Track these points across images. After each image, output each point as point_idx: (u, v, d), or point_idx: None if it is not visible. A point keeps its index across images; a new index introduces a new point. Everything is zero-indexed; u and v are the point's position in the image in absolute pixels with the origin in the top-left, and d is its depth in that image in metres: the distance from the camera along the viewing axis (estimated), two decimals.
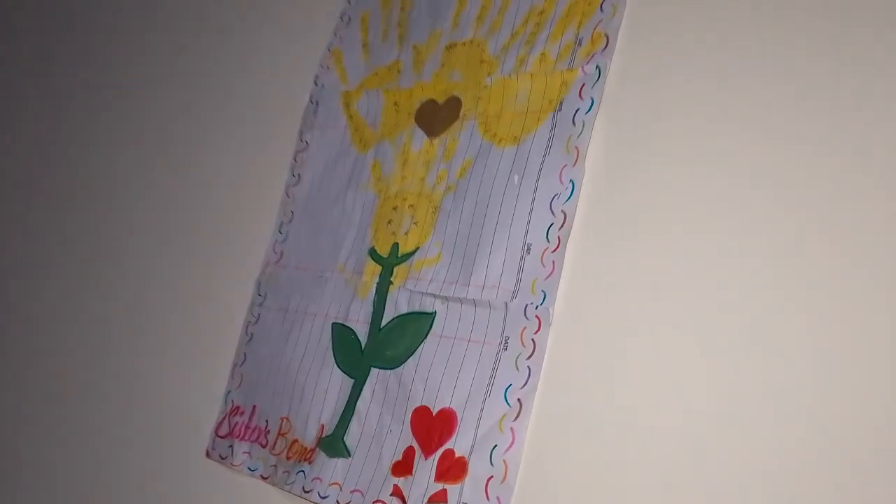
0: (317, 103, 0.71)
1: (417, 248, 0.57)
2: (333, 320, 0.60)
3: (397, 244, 0.59)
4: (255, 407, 0.63)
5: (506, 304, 0.49)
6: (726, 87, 0.46)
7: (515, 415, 0.46)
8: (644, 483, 0.42)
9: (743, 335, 0.41)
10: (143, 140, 0.87)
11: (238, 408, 0.65)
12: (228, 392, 0.66)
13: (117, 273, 0.83)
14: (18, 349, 0.90)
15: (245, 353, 0.66)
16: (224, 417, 0.65)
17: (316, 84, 0.72)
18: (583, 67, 0.52)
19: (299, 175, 0.70)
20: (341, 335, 0.58)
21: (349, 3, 0.72)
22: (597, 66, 0.51)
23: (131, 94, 0.90)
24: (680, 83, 0.47)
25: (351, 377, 0.56)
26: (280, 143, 0.72)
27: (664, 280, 0.44)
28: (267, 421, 0.61)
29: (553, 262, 0.48)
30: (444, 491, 0.47)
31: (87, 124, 0.94)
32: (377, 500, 0.50)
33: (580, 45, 0.53)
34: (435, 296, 0.54)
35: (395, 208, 0.60)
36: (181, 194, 0.81)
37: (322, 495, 0.53)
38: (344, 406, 0.56)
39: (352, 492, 0.52)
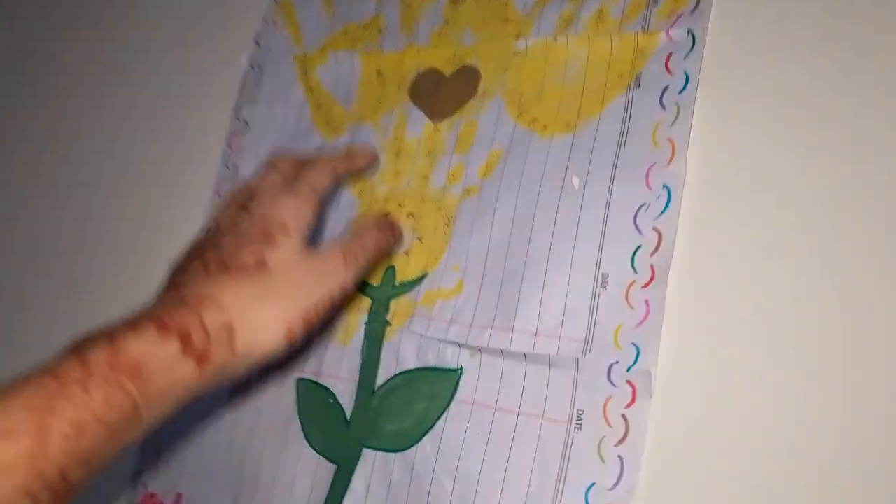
0: (260, 70, 0.53)
1: (425, 275, 0.41)
2: (299, 375, 0.42)
3: (393, 268, 0.42)
4: (179, 497, 0.44)
5: (576, 361, 0.34)
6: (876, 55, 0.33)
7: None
8: None
9: None
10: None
11: (153, 496, 0.46)
12: (138, 473, 0.47)
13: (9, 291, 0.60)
14: None
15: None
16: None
17: (258, 45, 0.54)
18: (667, 31, 0.38)
19: (236, 166, 0.51)
20: (313, 399, 0.41)
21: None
22: (689, 31, 0.37)
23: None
24: (812, 51, 0.34)
25: (332, 461, 0.39)
26: (208, 124, 0.53)
27: (806, 322, 0.31)
28: None
29: (646, 301, 0.34)
30: None
31: None
32: None
33: (656, 1, 0.39)
34: (460, 345, 0.38)
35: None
36: (75, 194, 0.60)
37: None
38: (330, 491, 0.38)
39: None
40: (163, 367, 0.27)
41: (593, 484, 0.32)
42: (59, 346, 0.27)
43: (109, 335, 0.27)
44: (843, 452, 0.29)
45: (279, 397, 0.42)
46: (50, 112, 0.64)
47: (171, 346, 0.27)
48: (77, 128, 0.61)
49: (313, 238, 0.44)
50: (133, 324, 0.27)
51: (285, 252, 0.32)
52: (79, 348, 0.26)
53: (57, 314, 0.56)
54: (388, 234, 0.39)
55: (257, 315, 0.30)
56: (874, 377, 0.29)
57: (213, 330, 0.28)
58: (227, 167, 0.51)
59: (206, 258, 0.31)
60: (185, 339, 0.28)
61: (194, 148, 0.53)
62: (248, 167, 0.51)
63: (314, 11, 0.52)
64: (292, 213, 0.33)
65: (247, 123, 0.52)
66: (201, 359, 0.28)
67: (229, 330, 0.29)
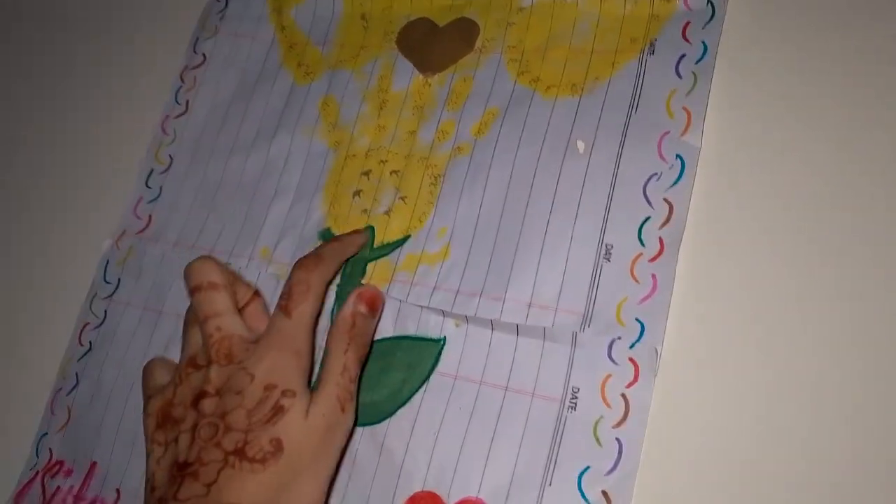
0: (226, 2, 0.47)
1: (407, 237, 0.37)
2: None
3: (372, 228, 0.38)
4: (93, 466, 0.38)
5: (573, 335, 0.32)
6: None
7: None
8: None
9: None
10: None
11: (60, 464, 0.39)
12: (43, 436, 0.40)
13: None
14: None
15: (77, 375, 0.40)
16: (32, 479, 0.39)
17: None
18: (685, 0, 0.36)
19: (187, 102, 0.45)
20: None
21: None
22: (708, 1, 0.36)
23: None
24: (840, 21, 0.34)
25: None
26: (161, 53, 0.47)
27: (823, 302, 0.30)
28: (118, 491, 0.37)
29: (653, 275, 0.32)
30: None
31: None
32: None
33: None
34: (444, 313, 0.34)
35: (366, 173, 0.39)
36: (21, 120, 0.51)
37: None
38: None
39: None
40: None
41: (588, 468, 0.29)
42: None
43: None
44: (855, 439, 0.28)
45: None
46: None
47: None
48: (27, 48, 0.53)
49: (233, 170, 0.39)
50: None
51: (295, 421, 0.28)
52: None
53: None
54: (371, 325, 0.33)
55: None
56: (890, 358, 0.28)
57: None
58: (178, 102, 0.45)
59: (219, 441, 0.27)
60: None
61: (143, 79, 0.47)
62: (202, 104, 0.45)
63: None
64: (291, 368, 0.29)
65: (204, 57, 0.46)
66: None
67: None
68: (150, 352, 0.40)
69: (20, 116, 0.50)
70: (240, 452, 0.27)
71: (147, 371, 0.34)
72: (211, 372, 0.29)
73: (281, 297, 0.31)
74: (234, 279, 0.34)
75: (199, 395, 0.29)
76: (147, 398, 0.32)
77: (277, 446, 0.27)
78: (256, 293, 0.35)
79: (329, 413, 0.29)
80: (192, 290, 0.32)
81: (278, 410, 0.28)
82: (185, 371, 0.30)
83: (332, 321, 0.36)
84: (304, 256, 0.33)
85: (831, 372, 0.29)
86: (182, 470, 0.27)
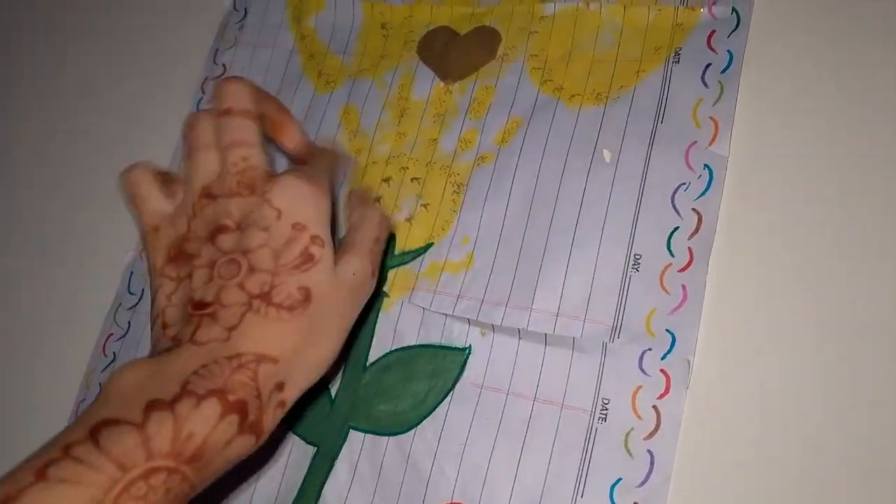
0: (245, 11, 0.48)
1: (430, 245, 0.37)
2: None
3: (393, 235, 0.38)
4: None
5: (603, 345, 0.31)
6: None
7: None
8: None
9: None
10: None
11: None
12: None
13: None
14: None
15: (101, 385, 0.40)
16: None
17: None
18: (710, 8, 0.36)
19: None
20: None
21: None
22: (733, 10, 0.35)
23: None
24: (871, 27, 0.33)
25: (311, 443, 0.34)
26: (183, 65, 0.47)
27: (855, 311, 0.30)
28: None
29: (683, 285, 0.31)
30: None
31: None
32: None
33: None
34: (470, 321, 0.34)
35: (386, 180, 0.39)
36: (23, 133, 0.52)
37: None
38: (298, 491, 0.34)
39: None
40: (221, 446, 0.24)
41: (619, 480, 0.29)
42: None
43: (172, 407, 0.23)
44: (890, 448, 0.27)
45: None
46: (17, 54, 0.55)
47: (231, 424, 0.24)
48: (51, 60, 0.53)
49: None
50: (195, 396, 0.23)
51: (323, 272, 0.26)
52: (143, 423, 0.22)
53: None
54: (387, 219, 0.33)
55: (304, 361, 0.26)
56: None
57: (266, 396, 0.24)
58: None
59: (242, 282, 0.25)
60: (243, 413, 0.24)
61: (166, 90, 0.47)
62: None
63: None
64: (321, 211, 0.27)
65: (224, 67, 0.46)
66: (255, 429, 0.24)
67: (280, 388, 0.25)
68: None
69: (43, 129, 0.50)
70: (266, 297, 0.25)
71: (133, 184, 0.29)
72: (231, 204, 0.26)
73: (292, 161, 0.31)
74: (267, 107, 0.30)
75: (218, 229, 0.26)
76: (151, 227, 0.28)
77: (306, 295, 0.25)
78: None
79: (360, 274, 0.28)
80: (222, 112, 0.28)
81: (308, 258, 0.26)
82: (198, 202, 0.27)
83: (349, 356, 0.36)
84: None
85: (867, 380, 0.29)
86: (199, 309, 0.25)
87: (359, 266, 0.28)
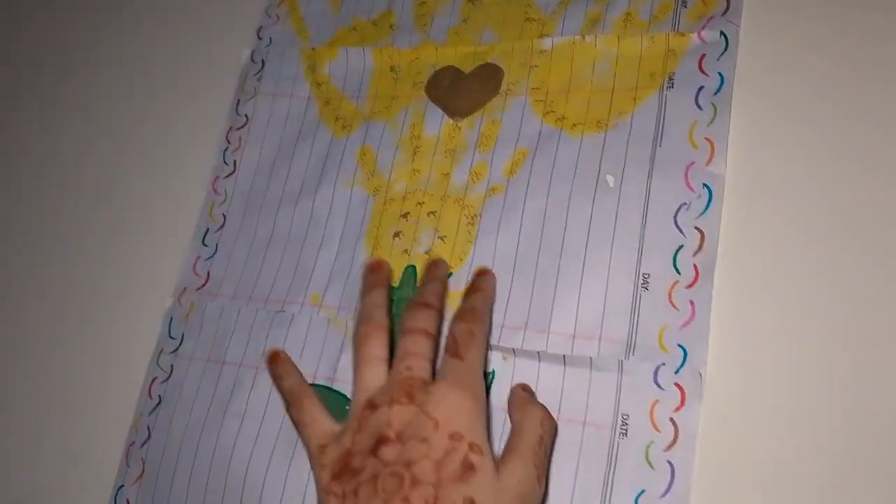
0: (262, 63, 0.51)
1: (449, 275, 0.39)
2: (310, 381, 0.39)
3: (413, 268, 0.40)
4: None
5: (619, 363, 0.33)
6: None
7: None
8: None
9: None
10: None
11: None
12: (120, 488, 0.43)
13: None
14: None
15: (148, 428, 0.43)
16: None
17: (260, 38, 0.51)
18: (699, 33, 0.38)
19: (235, 162, 0.48)
20: (327, 405, 0.38)
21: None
22: (721, 33, 0.37)
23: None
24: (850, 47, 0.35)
25: None
26: (206, 117, 0.50)
27: (857, 319, 0.31)
28: None
29: (692, 301, 0.33)
30: None
31: None
32: None
33: (685, 3, 0.39)
34: (491, 347, 0.36)
35: (405, 215, 0.42)
36: (58, 182, 0.55)
37: None
38: None
39: None
40: None
41: (643, 491, 0.31)
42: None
43: None
44: None
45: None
46: (40, 101, 0.59)
47: None
48: (70, 117, 0.57)
49: (281, 224, 0.41)
50: None
51: (486, 481, 0.26)
52: None
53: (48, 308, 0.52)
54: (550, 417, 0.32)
55: None
56: None
57: None
58: (226, 162, 0.48)
59: (406, 495, 0.25)
60: None
61: (191, 142, 0.50)
62: (248, 163, 0.48)
63: (319, 5, 0.50)
64: (476, 416, 0.28)
65: (247, 118, 0.49)
66: None
67: None
68: (215, 403, 0.42)
69: (79, 186, 0.54)
70: None
71: (305, 410, 0.31)
72: (391, 413, 0.27)
73: (446, 348, 0.31)
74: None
75: (380, 441, 0.27)
76: (318, 447, 0.29)
77: None
78: None
79: (524, 480, 0.27)
80: (405, 331, 0.31)
81: (468, 467, 0.26)
82: (361, 415, 0.28)
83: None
84: (458, 311, 0.33)
85: (875, 385, 0.30)
86: None
87: (521, 472, 0.28)
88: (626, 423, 0.32)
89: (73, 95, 0.57)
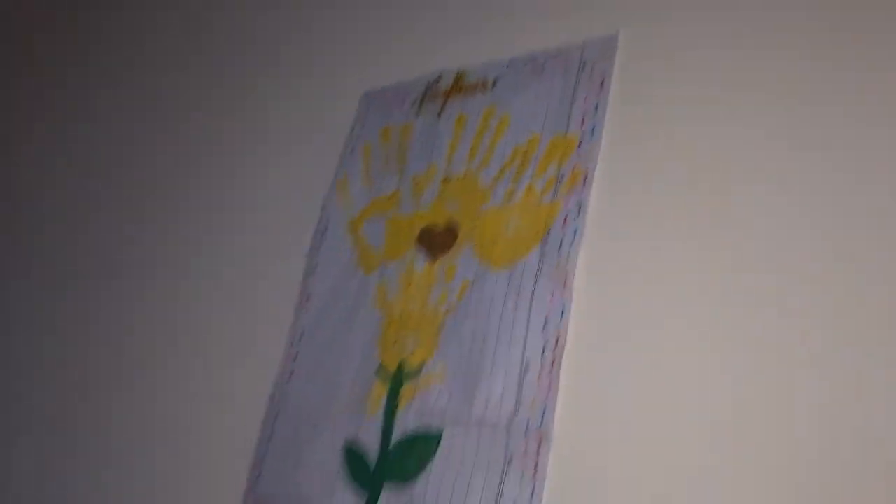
0: (325, 229, 0.77)
1: (423, 366, 0.61)
2: (344, 438, 0.63)
3: (402, 362, 0.63)
4: None
5: (508, 421, 0.53)
6: (698, 227, 0.52)
7: None
8: None
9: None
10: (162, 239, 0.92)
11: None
12: (247, 493, 0.68)
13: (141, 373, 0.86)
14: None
15: (260, 470, 0.69)
16: None
17: (323, 211, 0.78)
18: (565, 201, 0.58)
19: (308, 295, 0.75)
20: (352, 455, 0.61)
21: (352, 133, 0.79)
22: (578, 202, 0.57)
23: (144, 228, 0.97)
24: (661, 212, 0.53)
25: (364, 492, 0.59)
26: (291, 265, 0.78)
27: (656, 397, 0.48)
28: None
29: (549, 381, 0.52)
30: None
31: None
32: None
33: (562, 180, 0.60)
34: (440, 414, 0.57)
35: (400, 329, 0.65)
36: (194, 297, 0.86)
37: None
38: None
39: None
40: None
41: (515, 502, 0.50)
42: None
43: None
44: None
45: (332, 451, 0.63)
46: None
47: None
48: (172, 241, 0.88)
49: (334, 336, 0.66)
50: None
51: None
52: None
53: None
54: None
55: None
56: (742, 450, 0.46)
57: None
58: (304, 296, 0.75)
59: None
60: None
61: (282, 282, 0.78)
62: (316, 297, 0.74)
63: (358, 187, 0.76)
64: None
65: (316, 266, 0.76)
66: None
67: None
68: (293, 452, 0.66)
69: (172, 279, 0.83)
70: None
71: None
72: None
73: None
74: None
75: None
76: None
77: None
78: None
79: None
80: None
81: None
82: None
83: (383, 425, 0.60)
84: None
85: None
86: None
87: None
88: (511, 460, 0.52)
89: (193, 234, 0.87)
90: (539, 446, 0.51)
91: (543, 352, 0.54)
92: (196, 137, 0.97)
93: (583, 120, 0.61)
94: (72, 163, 1.10)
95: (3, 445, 0.92)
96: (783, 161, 0.50)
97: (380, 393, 0.62)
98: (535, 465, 0.50)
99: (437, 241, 0.67)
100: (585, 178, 0.58)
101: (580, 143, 0.59)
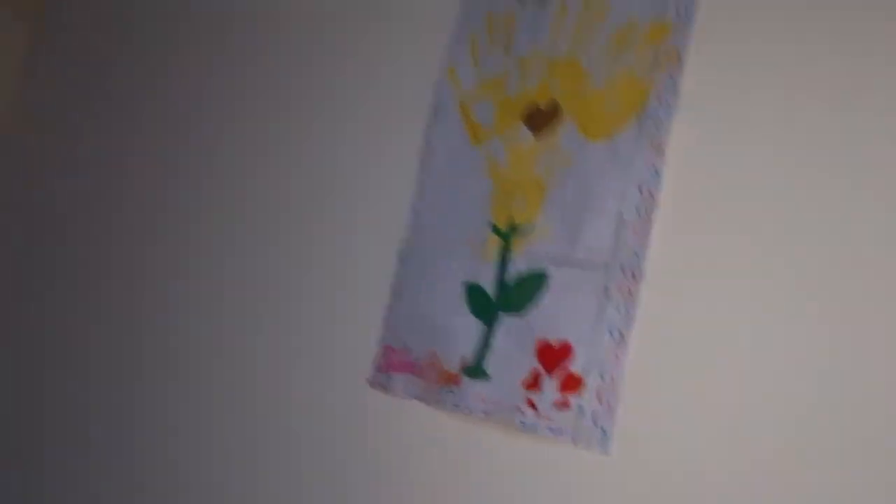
0: (438, 109, 0.88)
1: (532, 224, 0.74)
2: (465, 277, 0.77)
3: (513, 221, 0.76)
4: (405, 346, 0.82)
5: (607, 263, 0.66)
6: (795, 100, 0.60)
7: (618, 344, 0.63)
8: (721, 423, 0.59)
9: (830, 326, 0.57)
10: (291, 127, 1.06)
11: (391, 347, 0.84)
12: (383, 336, 0.85)
13: (292, 242, 1.02)
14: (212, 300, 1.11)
15: (392, 307, 0.85)
16: (381, 355, 0.84)
17: (436, 94, 0.89)
18: (661, 79, 0.67)
19: (426, 165, 0.87)
20: (473, 289, 0.76)
21: (458, 23, 0.87)
22: (672, 80, 0.66)
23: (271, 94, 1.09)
24: (747, 87, 0.62)
25: (484, 322, 0.74)
26: (409, 141, 0.90)
27: (744, 247, 0.60)
28: (418, 356, 0.80)
29: (644, 229, 0.65)
30: (567, 399, 0.65)
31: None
32: (514, 406, 0.68)
33: (658, 60, 0.68)
34: (548, 258, 0.71)
35: (509, 194, 0.77)
36: (326, 182, 1.00)
37: (469, 408, 0.72)
38: (481, 343, 0.74)
39: (494, 403, 0.70)
40: None
41: (613, 322, 0.64)
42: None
43: None
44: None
45: (456, 291, 0.78)
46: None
47: None
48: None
49: (450, 200, 0.79)
50: None
51: None
52: None
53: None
54: None
55: None
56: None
57: None
58: (422, 167, 0.87)
59: None
60: None
61: (403, 154, 0.90)
62: (433, 167, 0.86)
63: (468, 71, 0.86)
64: None
65: (430, 140, 0.88)
66: None
67: None
68: (422, 292, 0.82)
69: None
70: None
71: None
72: None
73: None
74: None
75: None
76: None
77: None
78: None
79: None
80: None
81: None
82: None
83: (498, 268, 0.74)
84: None
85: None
86: None
87: None
88: (609, 292, 0.65)
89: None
90: (633, 281, 0.64)
91: (638, 207, 0.66)
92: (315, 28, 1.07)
93: (678, 3, 0.68)
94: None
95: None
96: None
97: (494, 245, 0.76)
98: (630, 295, 0.64)
99: (541, 118, 0.77)
100: (679, 57, 0.67)
101: (675, 25, 0.67)
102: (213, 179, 1.11)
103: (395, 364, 0.82)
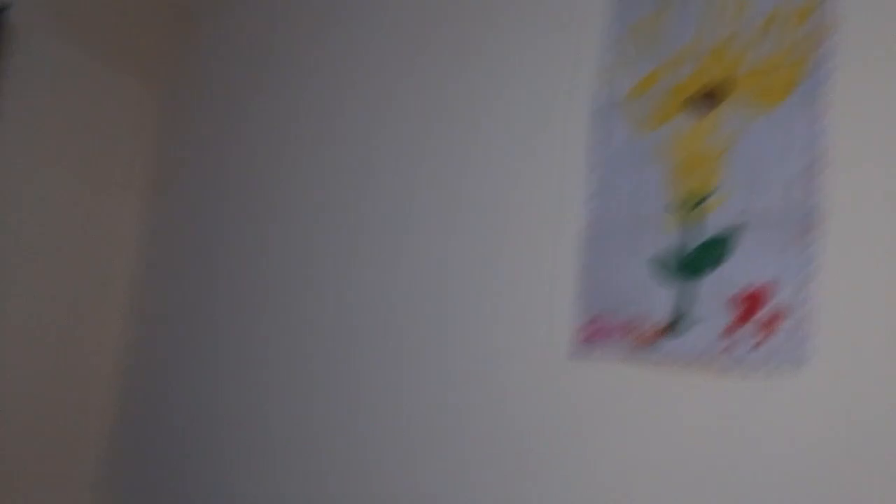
0: (598, 111, 1.01)
1: (707, 195, 0.85)
2: (650, 253, 0.90)
3: (689, 196, 0.87)
4: (602, 314, 0.96)
5: (784, 217, 0.76)
6: None
7: (806, 286, 0.73)
8: None
9: None
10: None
11: (589, 319, 0.98)
12: (580, 308, 1.00)
13: (469, 220, 1.20)
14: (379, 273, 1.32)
15: (584, 289, 0.99)
16: (581, 326, 0.99)
17: (596, 95, 1.02)
18: (818, 51, 0.75)
19: (595, 164, 1.00)
20: (659, 263, 0.89)
21: (611, 26, 1.00)
22: (829, 49, 0.74)
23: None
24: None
25: (676, 287, 0.87)
26: (574, 143, 1.03)
27: None
28: (617, 323, 0.94)
29: (814, 188, 0.74)
30: (764, 338, 0.76)
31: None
32: (717, 353, 0.80)
33: (813, 34, 0.77)
34: (729, 225, 0.82)
35: (680, 174, 0.89)
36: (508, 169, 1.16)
37: (676, 359, 0.85)
38: (676, 302, 0.86)
39: (697, 354, 0.83)
40: None
41: (801, 271, 0.74)
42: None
43: None
44: None
45: (645, 261, 0.90)
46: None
47: None
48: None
49: (626, 183, 0.92)
50: None
51: None
52: None
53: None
54: None
55: None
56: None
57: None
58: (595, 153, 1.01)
59: None
60: None
61: (557, 164, 1.04)
62: (606, 155, 0.99)
63: (622, 70, 0.98)
64: None
65: (600, 133, 1.01)
66: None
67: None
68: (612, 265, 0.96)
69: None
70: None
71: None
72: None
73: None
74: None
75: None
76: None
77: None
78: None
79: None
80: None
81: None
82: None
83: (681, 238, 0.86)
84: None
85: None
86: None
87: None
88: (792, 241, 0.75)
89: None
90: (814, 226, 0.74)
91: (807, 168, 0.75)
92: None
93: None
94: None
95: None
96: None
97: (673, 220, 0.88)
98: (813, 244, 0.73)
99: (706, 100, 0.88)
100: (835, 29, 0.74)
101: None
102: (420, 180, 1.31)
103: (596, 332, 0.97)
